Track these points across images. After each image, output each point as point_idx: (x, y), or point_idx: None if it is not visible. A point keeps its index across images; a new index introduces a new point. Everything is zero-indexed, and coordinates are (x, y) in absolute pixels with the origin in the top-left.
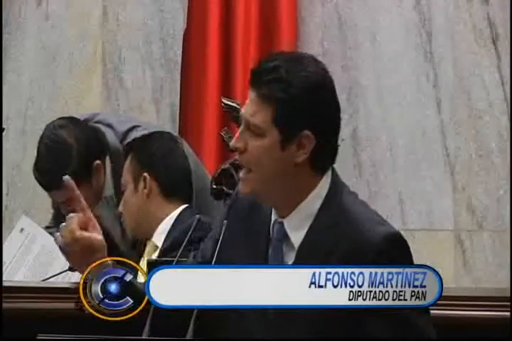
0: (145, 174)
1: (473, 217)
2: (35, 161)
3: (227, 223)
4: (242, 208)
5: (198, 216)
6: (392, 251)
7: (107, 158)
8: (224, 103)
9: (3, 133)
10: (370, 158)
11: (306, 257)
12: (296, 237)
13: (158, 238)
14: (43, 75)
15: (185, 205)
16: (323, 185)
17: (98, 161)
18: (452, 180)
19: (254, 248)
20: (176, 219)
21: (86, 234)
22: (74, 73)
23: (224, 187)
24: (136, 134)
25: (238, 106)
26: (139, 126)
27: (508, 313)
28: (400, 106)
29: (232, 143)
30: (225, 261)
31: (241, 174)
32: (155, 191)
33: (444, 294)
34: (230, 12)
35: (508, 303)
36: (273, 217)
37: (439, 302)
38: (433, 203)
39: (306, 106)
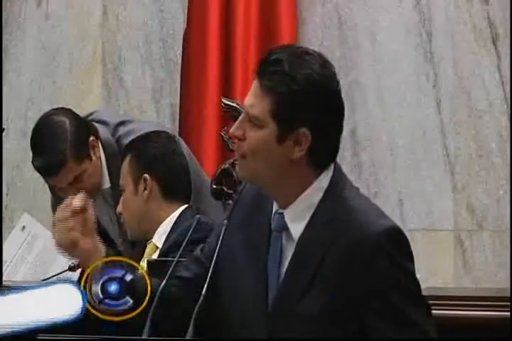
0: (145, 175)
1: (473, 217)
2: (31, 149)
3: (227, 223)
4: (246, 201)
5: (198, 216)
6: (391, 245)
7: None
8: (224, 103)
9: (4, 134)
10: (370, 158)
11: (306, 250)
12: (296, 229)
13: (159, 239)
14: (43, 75)
15: (186, 205)
16: (324, 178)
17: (93, 137)
18: (452, 180)
19: (256, 239)
20: (176, 220)
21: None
22: (74, 73)
23: (224, 187)
24: (128, 129)
25: (238, 106)
26: (130, 122)
27: (508, 313)
28: (399, 106)
29: (232, 130)
30: (227, 256)
31: (237, 158)
32: (156, 192)
33: (444, 294)
34: (230, 12)
35: (508, 303)
36: (274, 208)
37: (439, 302)
38: (433, 203)
39: (306, 103)
